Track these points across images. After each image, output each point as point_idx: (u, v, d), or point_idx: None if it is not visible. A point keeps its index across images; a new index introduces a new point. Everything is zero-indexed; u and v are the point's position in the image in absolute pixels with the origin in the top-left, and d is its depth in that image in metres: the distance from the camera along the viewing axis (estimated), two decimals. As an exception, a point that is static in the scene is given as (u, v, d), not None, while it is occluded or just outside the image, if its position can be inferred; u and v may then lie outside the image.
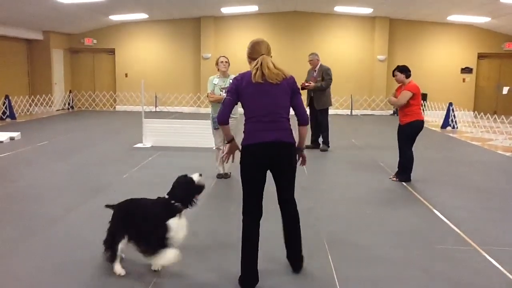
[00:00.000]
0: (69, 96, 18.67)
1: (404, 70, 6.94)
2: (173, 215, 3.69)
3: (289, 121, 3.70)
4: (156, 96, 18.66)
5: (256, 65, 3.67)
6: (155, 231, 3.63)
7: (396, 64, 7.36)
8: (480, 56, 18.21)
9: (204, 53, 18.10)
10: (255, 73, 3.62)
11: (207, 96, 7.03)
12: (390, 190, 6.71)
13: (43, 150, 9.38)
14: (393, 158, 7.37)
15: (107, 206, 4.10)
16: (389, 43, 18.11)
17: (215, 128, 6.99)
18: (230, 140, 3.85)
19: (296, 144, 3.77)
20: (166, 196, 3.82)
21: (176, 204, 3.73)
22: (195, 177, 3.88)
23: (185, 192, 3.79)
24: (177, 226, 3.69)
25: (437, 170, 8.13)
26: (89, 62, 19.11)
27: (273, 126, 3.59)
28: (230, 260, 4.05)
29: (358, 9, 16.87)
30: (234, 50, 18.32)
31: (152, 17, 17.83)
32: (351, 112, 18.11)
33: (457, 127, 14.15)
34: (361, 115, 18.04)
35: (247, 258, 3.62)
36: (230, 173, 7.21)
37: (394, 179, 7.18)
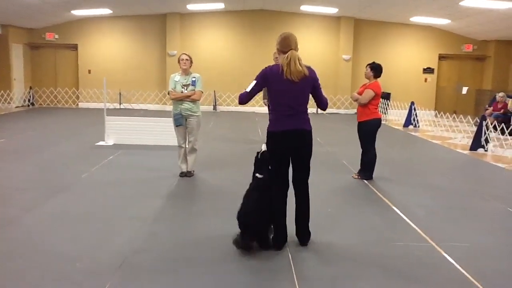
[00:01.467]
0: (30, 92, 18.09)
1: (376, 69, 7.07)
2: None
3: (307, 111, 4.28)
4: (120, 93, 18.31)
5: (287, 60, 4.09)
6: None
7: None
8: (441, 57, 18.71)
9: (170, 50, 17.87)
10: (286, 69, 4.06)
11: (168, 94, 6.93)
12: (352, 188, 6.79)
13: (-1, 149, 9.05)
14: (356, 156, 7.46)
15: None
16: (354, 43, 18.36)
17: (176, 126, 6.90)
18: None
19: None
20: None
21: None
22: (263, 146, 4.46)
23: None
24: None
25: (399, 168, 8.29)
26: (51, 58, 18.56)
27: (294, 117, 4.17)
28: (193, 259, 4.00)
29: (324, 9, 17.03)
30: (200, 47, 18.23)
31: (116, 13, 17.46)
32: (317, 110, 18.23)
33: (418, 126, 14.48)
34: (326, 113, 18.22)
35: (278, 221, 4.28)
36: (193, 171, 7.14)
37: (357, 177, 7.28)
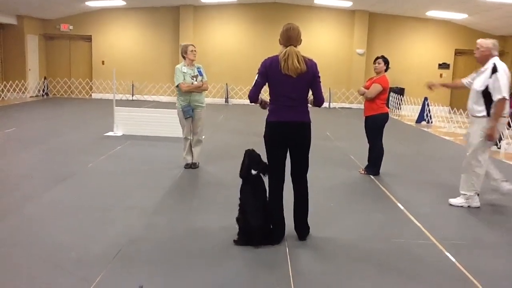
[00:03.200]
0: (44, 82, 18.28)
1: (387, 62, 6.95)
2: None
3: (307, 102, 4.25)
4: (133, 85, 18.40)
5: (284, 56, 4.04)
6: None
7: (374, 58, 7.29)
8: (457, 52, 18.39)
9: (183, 42, 17.74)
10: (283, 65, 4.03)
11: (178, 87, 6.75)
12: (357, 183, 6.71)
13: (8, 137, 9.14)
14: (364, 151, 7.36)
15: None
16: (368, 37, 18.14)
17: (185, 118, 6.89)
18: (260, 101, 4.33)
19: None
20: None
21: None
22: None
23: None
24: None
25: (407, 164, 8.17)
26: (65, 49, 18.71)
27: (294, 108, 4.14)
28: (190, 251, 3.99)
29: (338, 2, 16.83)
30: (213, 40, 18.21)
31: (130, 4, 17.52)
32: (329, 105, 18.12)
33: (431, 122, 14.26)
34: (338, 108, 18.08)
35: (275, 214, 4.27)
36: (198, 163, 7.13)
37: (363, 172, 7.19)
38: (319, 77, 4.21)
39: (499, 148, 9.96)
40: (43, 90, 18.22)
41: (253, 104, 4.35)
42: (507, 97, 5.22)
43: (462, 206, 5.61)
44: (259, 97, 4.25)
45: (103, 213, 4.93)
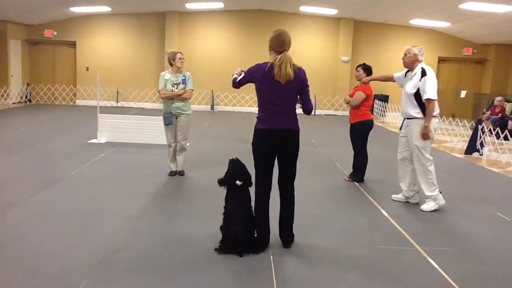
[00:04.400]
0: (27, 89, 18.06)
1: (367, 70, 7.04)
2: None
3: (296, 110, 4.21)
4: (117, 91, 18.28)
5: (279, 61, 4.01)
6: None
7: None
8: (441, 60, 18.66)
9: (168, 48, 17.75)
10: (277, 71, 4.00)
11: (158, 93, 6.85)
12: (342, 190, 6.74)
13: (-9, 144, 9.00)
14: (349, 158, 7.40)
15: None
16: (353, 44, 18.32)
17: (166, 124, 6.86)
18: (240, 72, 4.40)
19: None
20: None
21: None
22: None
23: None
24: None
25: (391, 171, 8.18)
26: (49, 55, 18.54)
27: (282, 116, 4.12)
28: (174, 259, 3.95)
29: (323, 10, 16.97)
30: (199, 47, 18.20)
31: (116, 10, 17.44)
32: (315, 112, 18.18)
33: (415, 129, 14.38)
34: (324, 115, 18.18)
35: (260, 221, 4.25)
36: (183, 170, 7.09)
37: (348, 179, 7.22)
38: (308, 85, 4.21)
39: (481, 154, 10.11)
40: (26, 97, 18.00)
41: (235, 88, 4.46)
42: (434, 98, 5.56)
43: (435, 210, 5.72)
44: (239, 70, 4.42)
45: (87, 220, 4.88)
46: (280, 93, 4.07)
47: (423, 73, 5.60)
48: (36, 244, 4.21)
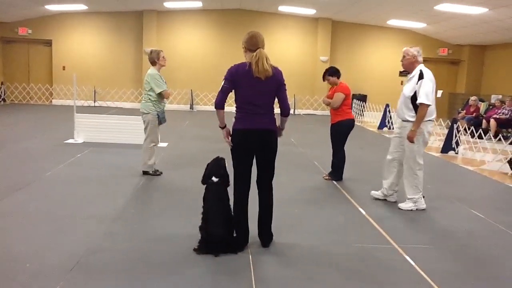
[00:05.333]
0: (1, 88, 17.66)
1: (335, 72, 7.07)
2: None
3: (273, 110, 4.22)
4: (95, 91, 18.02)
5: (255, 58, 4.03)
6: None
7: (337, 66, 7.41)
8: (417, 60, 18.90)
9: (146, 47, 17.64)
10: (254, 68, 4.01)
11: (162, 94, 6.66)
12: (320, 189, 6.77)
13: (-38, 145, 8.77)
14: (328, 157, 7.45)
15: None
16: (331, 44, 18.46)
17: (159, 124, 6.89)
18: (224, 126, 4.29)
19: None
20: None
21: None
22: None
23: None
24: None
25: (369, 169, 8.31)
26: (24, 53, 18.17)
27: (261, 115, 4.12)
28: (151, 260, 3.91)
29: (302, 10, 17.05)
30: (177, 46, 18.09)
31: (92, 9, 17.20)
32: (294, 111, 18.27)
33: (393, 128, 14.59)
34: (303, 114, 18.27)
35: (239, 221, 4.25)
36: (159, 170, 7.04)
37: (327, 178, 7.27)
38: (285, 84, 4.23)
39: (456, 153, 10.30)
40: (0, 96, 17.60)
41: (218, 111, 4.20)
42: (429, 103, 5.44)
43: (412, 210, 5.77)
44: (225, 125, 4.25)
45: (61, 222, 4.78)
46: (260, 91, 4.08)
47: (421, 76, 5.48)
48: (8, 247, 4.10)
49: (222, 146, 6.80)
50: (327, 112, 18.57)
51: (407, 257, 4.27)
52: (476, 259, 4.39)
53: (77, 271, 3.69)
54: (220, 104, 4.12)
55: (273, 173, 4.38)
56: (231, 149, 4.27)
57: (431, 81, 5.52)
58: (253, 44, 4.13)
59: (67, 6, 16.49)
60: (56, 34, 17.93)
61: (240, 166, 4.25)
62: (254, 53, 4.07)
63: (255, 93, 4.09)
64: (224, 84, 4.12)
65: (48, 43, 18.02)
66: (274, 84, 4.13)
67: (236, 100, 4.19)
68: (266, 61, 4.06)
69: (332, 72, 7.08)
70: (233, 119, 4.24)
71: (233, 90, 4.14)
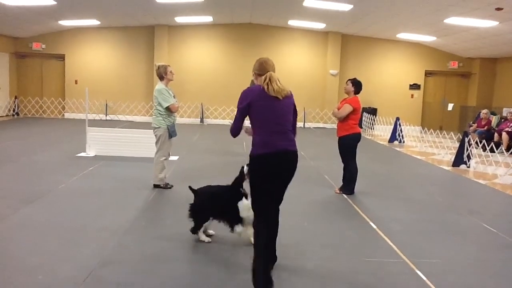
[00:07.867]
0: (15, 102, 17.94)
1: (357, 84, 7.06)
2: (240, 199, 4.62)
3: (293, 131, 4.01)
4: (106, 104, 18.23)
5: (265, 80, 3.86)
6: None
7: (347, 79, 7.42)
8: (427, 73, 18.92)
9: (158, 61, 17.77)
10: (268, 88, 3.82)
11: (169, 108, 6.76)
12: (331, 202, 6.76)
13: (-23, 158, 8.90)
14: (339, 171, 7.44)
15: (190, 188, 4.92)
16: (341, 58, 18.52)
17: (170, 138, 6.96)
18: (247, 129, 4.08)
19: None
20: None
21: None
22: (245, 168, 4.55)
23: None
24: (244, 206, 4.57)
25: (380, 183, 8.29)
26: (37, 68, 18.46)
27: (282, 137, 3.83)
28: (161, 274, 3.93)
29: (312, 24, 17.16)
30: (188, 60, 18.27)
31: (105, 24, 17.48)
32: (304, 124, 18.31)
33: (403, 142, 14.54)
34: (313, 128, 18.27)
35: (260, 263, 3.69)
36: (169, 183, 7.09)
37: (339, 192, 7.25)
38: (296, 109, 4.11)
39: (468, 167, 10.22)
40: (14, 110, 17.87)
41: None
42: None
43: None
44: (243, 125, 3.99)
45: (74, 235, 4.83)
46: (279, 110, 3.83)
47: None
48: (21, 258, 4.16)
49: (231, 160, 6.86)
50: (336, 126, 18.57)
51: (419, 272, 4.24)
52: (489, 273, 4.34)
53: (90, 283, 3.72)
54: (236, 133, 3.98)
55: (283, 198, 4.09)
56: (251, 179, 3.90)
57: None
58: (263, 69, 4.00)
59: (80, 21, 16.77)
60: (69, 49, 18.22)
61: (263, 196, 3.85)
62: (264, 76, 3.90)
63: (275, 110, 3.82)
64: (236, 116, 3.92)
65: (61, 57, 18.31)
66: (290, 105, 3.94)
67: (253, 126, 3.90)
68: (278, 82, 3.87)
69: (354, 82, 7.07)
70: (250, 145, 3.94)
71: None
